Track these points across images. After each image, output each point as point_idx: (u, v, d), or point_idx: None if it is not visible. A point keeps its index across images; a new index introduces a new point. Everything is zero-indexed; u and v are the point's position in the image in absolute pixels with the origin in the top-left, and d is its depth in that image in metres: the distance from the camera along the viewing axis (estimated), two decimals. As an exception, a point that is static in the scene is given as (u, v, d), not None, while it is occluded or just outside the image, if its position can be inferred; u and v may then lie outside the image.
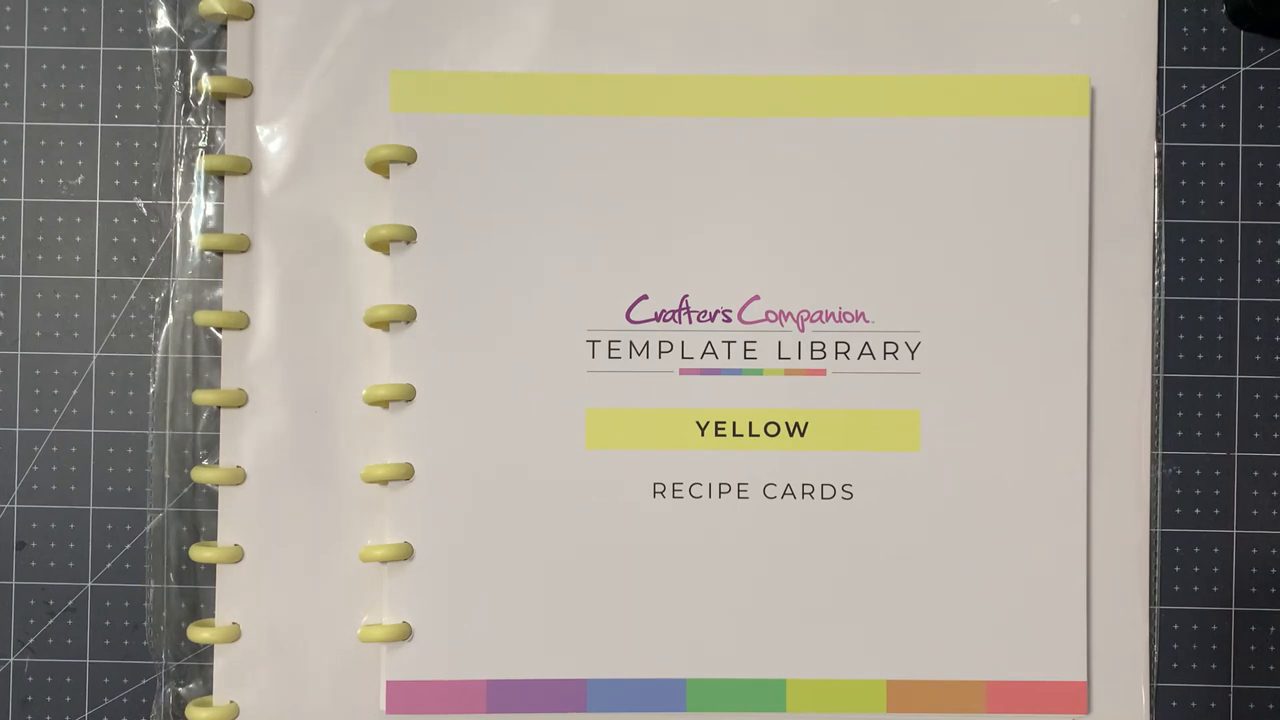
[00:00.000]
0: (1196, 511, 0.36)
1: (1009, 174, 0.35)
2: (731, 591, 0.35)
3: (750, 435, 0.35)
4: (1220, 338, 0.36)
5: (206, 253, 0.36)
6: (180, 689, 0.36)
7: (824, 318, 0.35)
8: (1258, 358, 0.36)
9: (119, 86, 0.37)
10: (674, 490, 0.35)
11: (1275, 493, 0.36)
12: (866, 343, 0.35)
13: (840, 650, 0.35)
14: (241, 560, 0.35)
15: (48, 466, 0.37)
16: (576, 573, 0.35)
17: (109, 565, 0.36)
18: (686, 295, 0.35)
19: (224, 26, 0.36)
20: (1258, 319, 0.36)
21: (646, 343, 0.35)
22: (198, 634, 0.35)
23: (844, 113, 0.35)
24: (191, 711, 0.35)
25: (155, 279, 0.37)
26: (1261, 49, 0.36)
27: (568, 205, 0.35)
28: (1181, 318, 0.36)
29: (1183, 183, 0.36)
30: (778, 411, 0.35)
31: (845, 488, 0.35)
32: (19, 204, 0.37)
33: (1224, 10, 0.36)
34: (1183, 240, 0.36)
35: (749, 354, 0.35)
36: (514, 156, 0.35)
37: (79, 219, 0.37)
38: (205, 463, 0.36)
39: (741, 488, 0.35)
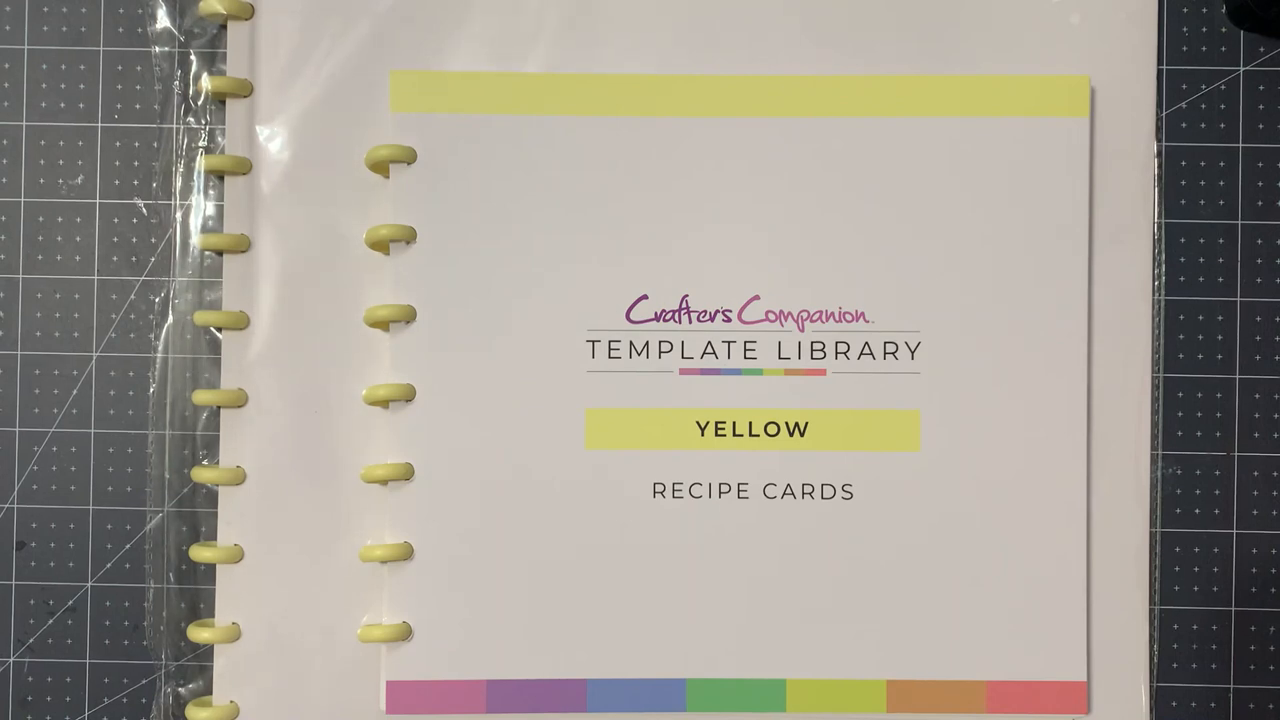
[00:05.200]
0: (1196, 511, 0.36)
1: (1009, 174, 0.35)
2: (731, 591, 0.35)
3: (750, 435, 0.35)
4: (1220, 338, 0.36)
5: (206, 253, 0.36)
6: (180, 689, 0.36)
7: (824, 318, 0.35)
8: (1258, 358, 0.36)
9: (119, 86, 0.37)
10: (674, 490, 0.35)
11: (1275, 493, 0.36)
12: (866, 343, 0.35)
13: (840, 650, 0.35)
14: (241, 560, 0.35)
15: (48, 466, 0.37)
16: (576, 572, 0.35)
17: (109, 565, 0.36)
18: (686, 295, 0.35)
19: (224, 26, 0.36)
20: (1258, 319, 0.36)
21: (646, 343, 0.35)
22: (198, 634, 0.35)
23: (844, 113, 0.35)
24: (191, 711, 0.35)
25: (155, 279, 0.37)
26: (1261, 49, 0.36)
27: (567, 205, 0.35)
28: (1181, 318, 0.36)
29: (1183, 183, 0.36)
30: (778, 411, 0.35)
31: (845, 488, 0.35)
32: (19, 204, 0.37)
33: (1224, 10, 0.36)
34: (1183, 240, 0.36)
35: (749, 354, 0.35)
36: (514, 156, 0.35)
37: (79, 219, 0.37)
38: (205, 463, 0.36)
39: (741, 488, 0.35)
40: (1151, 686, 0.35)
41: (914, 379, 0.35)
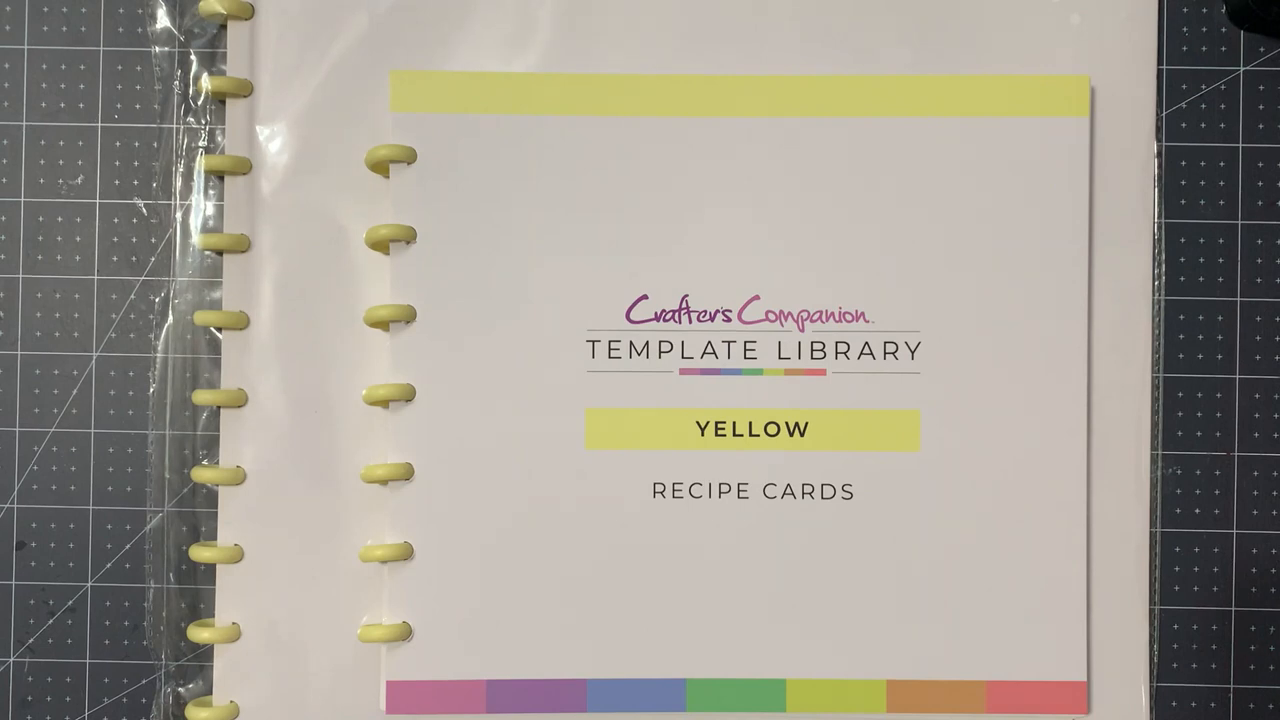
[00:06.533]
0: (1196, 511, 0.36)
1: (1009, 174, 0.35)
2: (731, 591, 0.35)
3: (750, 435, 0.35)
4: (1220, 338, 0.36)
5: (206, 253, 0.36)
6: (180, 689, 0.36)
7: (824, 318, 0.35)
8: (1258, 358, 0.36)
9: (119, 86, 0.37)
10: (674, 490, 0.35)
11: (1275, 493, 0.36)
12: (866, 343, 0.35)
13: (840, 650, 0.35)
14: (241, 560, 0.35)
15: (48, 466, 0.37)
16: (576, 572, 0.35)
17: (109, 565, 0.36)
18: (686, 295, 0.35)
19: (224, 26, 0.36)
20: (1258, 319, 0.36)
21: (646, 343, 0.35)
22: (198, 634, 0.35)
23: (844, 113, 0.35)
24: (191, 711, 0.35)
25: (155, 279, 0.37)
26: (1261, 49, 0.36)
27: (567, 205, 0.35)
28: (1181, 318, 0.36)
29: (1183, 183, 0.36)
30: (778, 411, 0.35)
31: (845, 488, 0.35)
32: (19, 204, 0.37)
33: (1224, 10, 0.36)
34: (1183, 240, 0.36)
35: (749, 354, 0.35)
36: (514, 156, 0.35)
37: (79, 219, 0.37)
38: (205, 463, 0.36)
39: (741, 488, 0.35)
40: (1151, 686, 0.35)
41: (914, 379, 0.35)
